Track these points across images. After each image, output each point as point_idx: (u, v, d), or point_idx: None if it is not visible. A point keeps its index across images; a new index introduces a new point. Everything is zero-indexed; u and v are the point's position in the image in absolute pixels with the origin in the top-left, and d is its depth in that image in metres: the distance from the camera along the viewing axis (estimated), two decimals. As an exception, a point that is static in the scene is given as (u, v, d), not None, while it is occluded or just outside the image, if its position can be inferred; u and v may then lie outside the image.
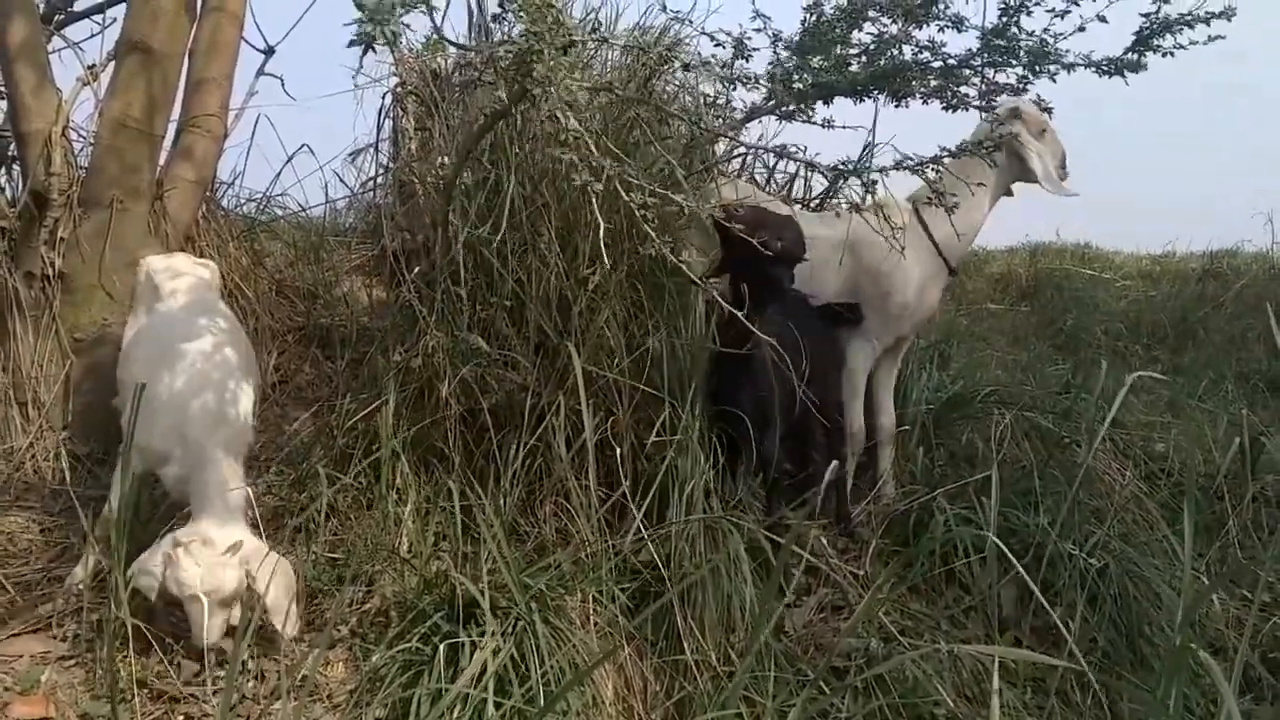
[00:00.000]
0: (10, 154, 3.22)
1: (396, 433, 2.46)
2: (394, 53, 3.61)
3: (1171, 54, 3.00)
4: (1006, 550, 1.86)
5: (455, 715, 1.78)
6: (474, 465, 2.47)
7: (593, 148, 1.89)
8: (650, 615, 2.16)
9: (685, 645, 2.14)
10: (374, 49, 1.85)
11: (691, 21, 3.21)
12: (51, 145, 2.91)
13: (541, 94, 1.89)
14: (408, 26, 1.84)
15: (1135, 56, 3.02)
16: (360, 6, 1.75)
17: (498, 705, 1.80)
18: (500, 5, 2.04)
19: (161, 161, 3.10)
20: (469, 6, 3.59)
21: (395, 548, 2.31)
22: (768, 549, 2.36)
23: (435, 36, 3.41)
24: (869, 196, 2.40)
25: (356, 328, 3.36)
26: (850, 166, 2.36)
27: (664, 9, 3.23)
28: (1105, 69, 3.03)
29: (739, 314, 2.14)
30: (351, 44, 1.82)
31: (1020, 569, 1.74)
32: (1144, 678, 2.22)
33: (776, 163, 3.65)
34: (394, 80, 3.57)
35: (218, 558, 1.95)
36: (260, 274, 3.47)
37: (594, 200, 1.93)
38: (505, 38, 2.01)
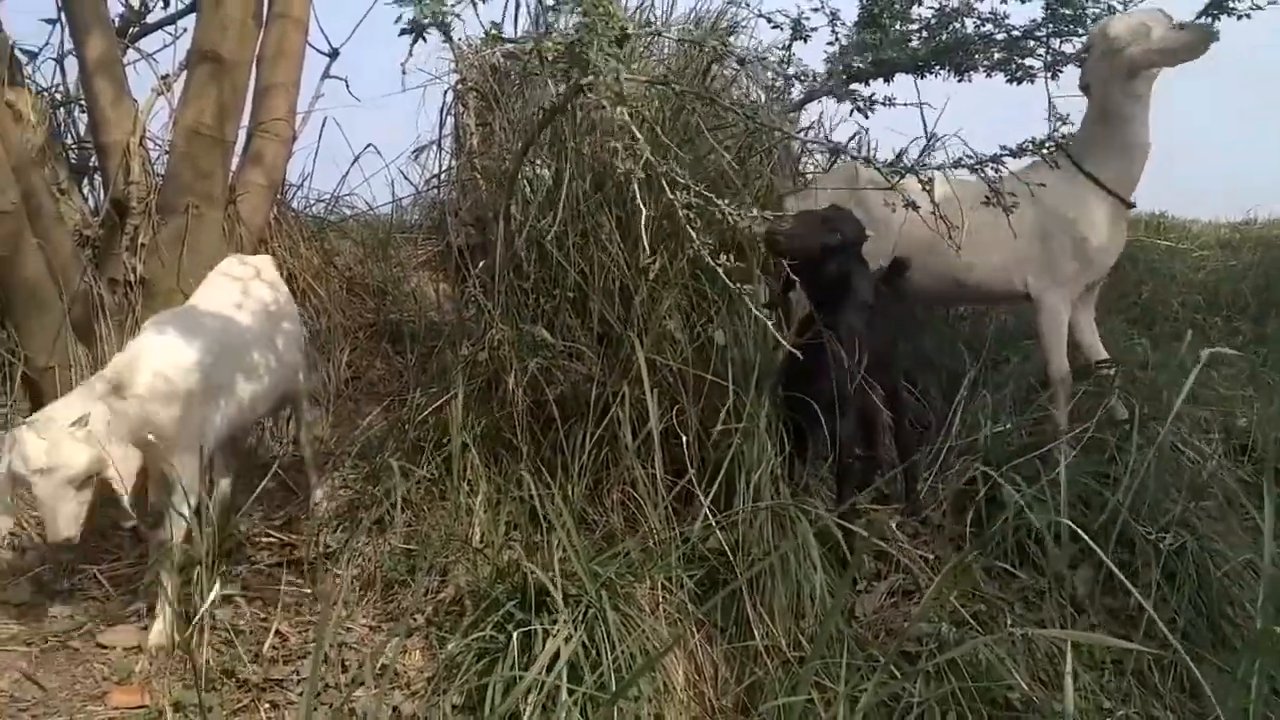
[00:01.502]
0: (91, 164, 3.35)
1: (466, 425, 2.51)
2: (453, 49, 3.65)
3: (1248, 16, 2.90)
4: (1080, 531, 1.83)
5: (529, 702, 1.82)
6: (542, 456, 2.50)
7: (638, 135, 1.88)
8: (719, 602, 2.18)
9: (755, 631, 2.15)
10: (424, 38, 1.86)
11: (748, 4, 3.20)
12: (130, 155, 3.02)
13: (591, 85, 1.90)
14: (458, 16, 1.84)
15: (1209, 20, 2.93)
16: None
17: (570, 692, 1.84)
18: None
19: (233, 167, 3.19)
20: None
21: (468, 538, 2.36)
22: (837, 534, 2.36)
23: (494, 31, 3.46)
24: (928, 191, 2.39)
25: (425, 322, 3.43)
26: (906, 165, 2.34)
27: (730, 1, 3.21)
28: (1205, 13, 2.95)
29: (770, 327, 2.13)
30: (403, 32, 1.83)
31: (1096, 549, 1.70)
32: (1226, 659, 2.17)
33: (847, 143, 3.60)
34: (454, 77, 3.61)
35: (64, 431, 1.87)
36: (331, 273, 3.56)
37: (636, 187, 1.93)
38: (557, 30, 2.03)
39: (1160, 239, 5.42)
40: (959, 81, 3.14)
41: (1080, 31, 3.11)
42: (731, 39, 3.74)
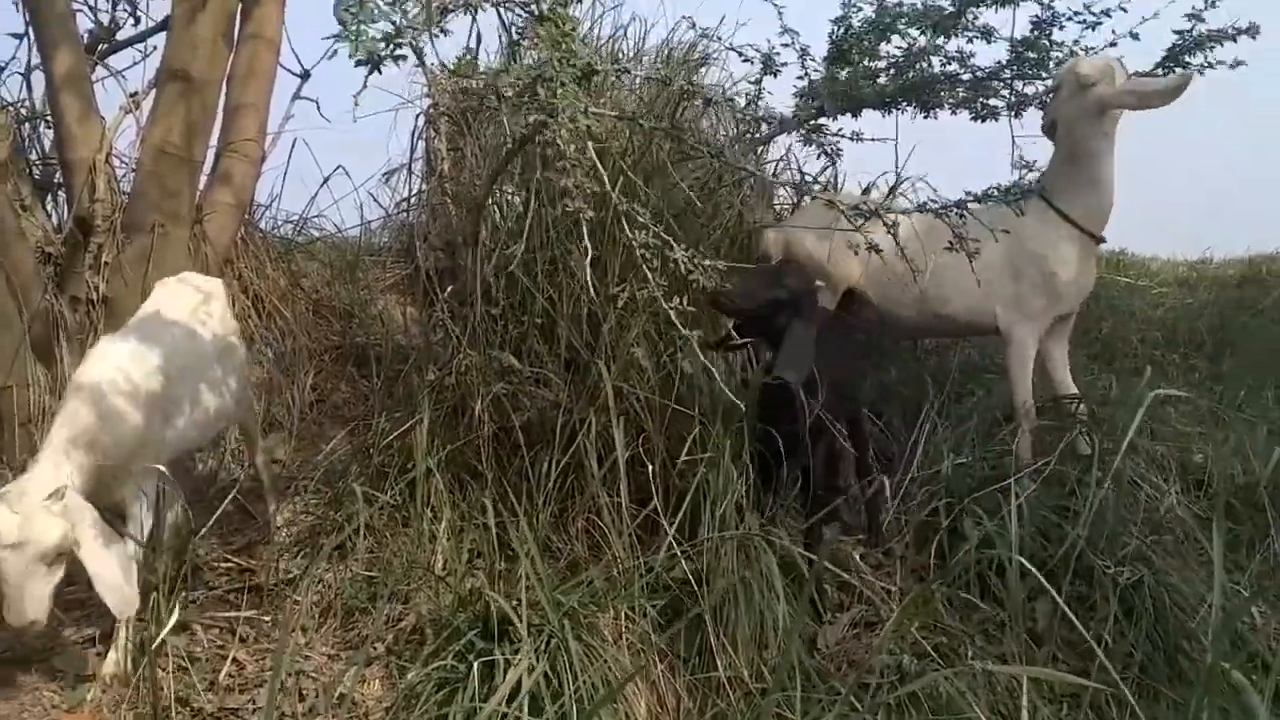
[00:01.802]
0: (56, 181, 3.31)
1: (431, 451, 2.50)
2: (425, 73, 3.67)
3: (1201, 72, 2.99)
4: (1035, 569, 1.85)
5: (490, 733, 1.80)
6: (507, 482, 2.49)
7: (600, 168, 1.89)
8: (682, 632, 2.18)
9: (718, 662, 2.15)
10: (380, 70, 1.85)
11: (719, 38, 3.24)
12: (95, 172, 2.99)
13: (554, 122, 1.91)
14: (393, 58, 1.80)
15: (1164, 73, 3.02)
16: (342, 22, 1.68)
17: (530, 722, 1.82)
18: (519, 34, 2.06)
19: (201, 186, 3.17)
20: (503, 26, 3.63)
21: (430, 565, 2.34)
22: (801, 565, 2.37)
23: (467, 57, 3.47)
24: (892, 232, 2.44)
25: (391, 346, 3.41)
26: (872, 208, 2.38)
27: (693, 26, 3.26)
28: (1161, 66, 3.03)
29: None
30: (358, 64, 1.82)
31: (1048, 586, 1.72)
32: (1183, 693, 2.19)
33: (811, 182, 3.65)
34: (426, 101, 3.62)
35: (37, 505, 1.80)
36: (298, 294, 3.53)
37: (584, 228, 1.94)
38: (517, 66, 2.03)
39: (1120, 275, 5.52)
40: (925, 118, 3.20)
41: (1043, 74, 3.18)
42: (703, 71, 3.80)
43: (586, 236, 1.91)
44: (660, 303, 1.90)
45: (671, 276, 2.01)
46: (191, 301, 2.45)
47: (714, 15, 4.17)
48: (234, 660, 2.12)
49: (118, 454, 2.00)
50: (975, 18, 3.09)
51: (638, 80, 3.06)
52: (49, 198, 3.35)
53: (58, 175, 3.28)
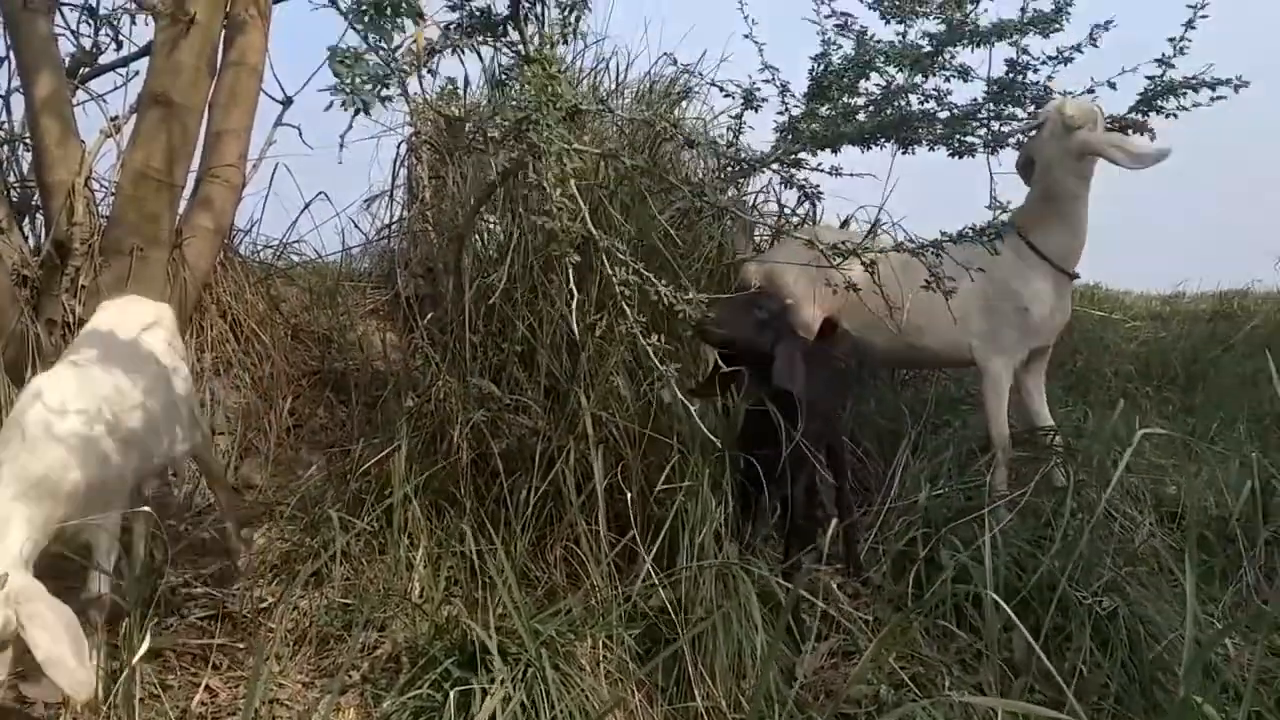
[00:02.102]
0: (34, 203, 3.30)
1: (409, 477, 2.49)
2: (408, 101, 3.68)
3: (1175, 115, 3.06)
4: (1011, 600, 1.86)
5: (466, 763, 1.79)
6: (485, 510, 2.49)
7: (582, 208, 1.91)
8: (660, 661, 2.17)
9: (696, 691, 2.14)
10: (368, 112, 1.87)
11: (700, 74, 3.28)
12: (74, 195, 2.97)
13: (539, 162, 1.94)
14: (382, 101, 1.82)
15: (1139, 116, 3.09)
16: (338, 75, 1.72)
17: (508, 752, 1.81)
18: (505, 73, 2.08)
19: (181, 210, 3.16)
20: (480, 61, 3.67)
21: (407, 593, 2.33)
22: (780, 595, 2.37)
23: (449, 87, 3.49)
24: (874, 272, 2.47)
25: (370, 372, 3.40)
26: (849, 246, 2.42)
27: (674, 63, 3.29)
28: (1109, 127, 3.10)
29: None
30: (345, 106, 1.83)
31: (1018, 623, 1.73)
32: (1158, 723, 2.20)
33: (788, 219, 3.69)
34: (409, 129, 3.64)
35: None
36: (276, 319, 3.52)
37: (570, 269, 1.95)
38: (498, 103, 2.06)
39: (1095, 309, 5.59)
40: (904, 154, 3.24)
41: (1018, 114, 3.24)
42: (684, 105, 3.84)
43: (571, 281, 1.92)
44: (639, 340, 1.91)
45: (653, 310, 2.02)
46: (135, 327, 2.37)
47: (696, 49, 4.23)
48: (207, 688, 2.09)
49: (72, 504, 1.90)
50: (952, 57, 3.15)
51: (613, 119, 3.09)
52: (27, 220, 3.33)
53: (36, 198, 3.26)
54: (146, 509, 2.08)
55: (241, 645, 2.26)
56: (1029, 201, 3.13)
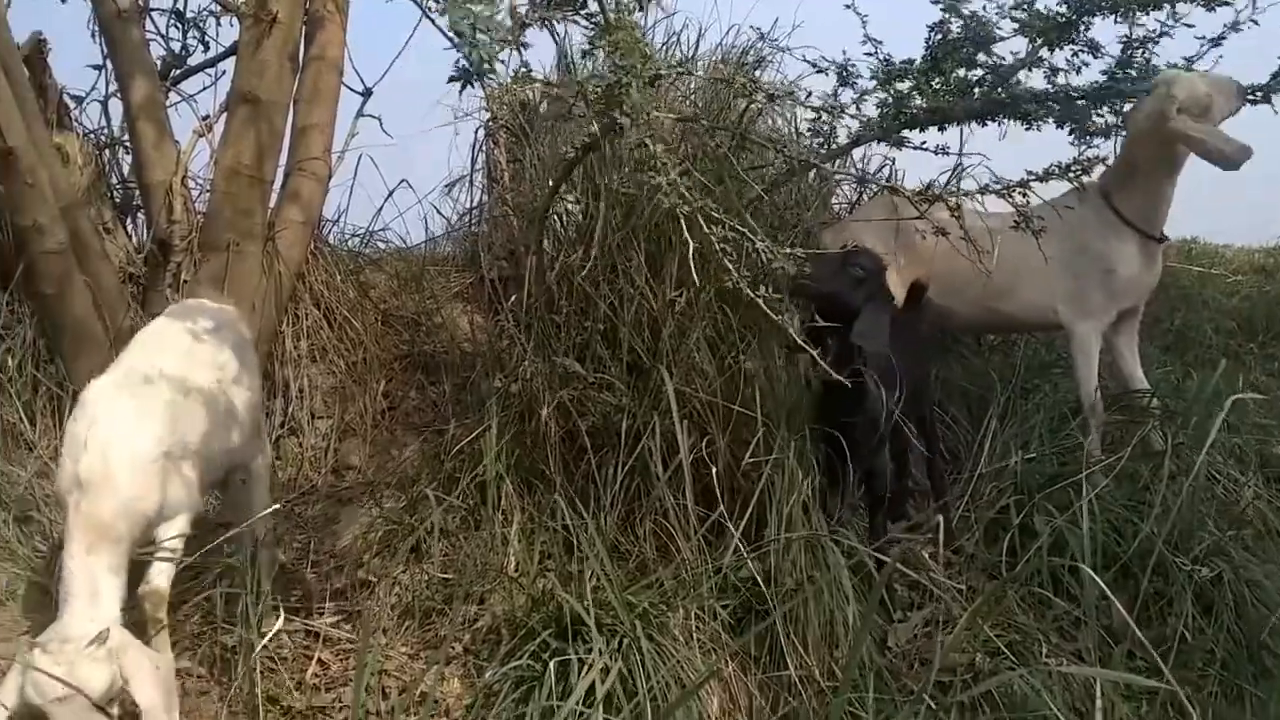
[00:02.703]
0: (136, 204, 3.45)
1: (500, 456, 2.55)
2: (483, 86, 3.72)
3: None
4: (1109, 566, 1.83)
5: (567, 731, 1.84)
6: (575, 485, 2.54)
7: (675, 174, 1.92)
8: (753, 632, 2.19)
9: (789, 661, 2.16)
10: (472, 84, 1.92)
11: (789, 49, 3.21)
12: (172, 194, 3.11)
13: (630, 125, 1.95)
14: (502, 61, 1.88)
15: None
16: (458, 34, 1.73)
17: (606, 720, 1.86)
18: (590, 42, 2.10)
19: (271, 204, 3.27)
20: (554, 41, 3.69)
21: (503, 567, 2.39)
22: (870, 565, 2.37)
23: (524, 70, 3.53)
24: (957, 216, 2.42)
25: (459, 353, 3.48)
26: (934, 192, 2.37)
27: (759, 34, 3.23)
28: (1251, 98, 2.95)
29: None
30: (451, 80, 1.88)
31: (1106, 590, 1.70)
32: (1267, 689, 2.15)
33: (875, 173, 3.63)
34: (485, 114, 3.69)
35: (81, 653, 1.73)
36: (366, 305, 3.62)
37: (682, 221, 1.97)
38: (592, 72, 2.08)
39: (1192, 265, 5.38)
40: (1026, 130, 3.13)
41: (1142, 92, 3.12)
42: (758, 73, 3.81)
43: (686, 230, 1.92)
44: (747, 291, 1.90)
45: (753, 267, 2.02)
46: (195, 333, 2.31)
47: (766, 19, 4.17)
48: (319, 661, 2.19)
49: (144, 528, 1.94)
50: (1087, 27, 3.01)
51: (693, 86, 3.08)
52: (129, 220, 3.49)
53: (137, 198, 3.42)
54: (275, 506, 2.13)
55: (349, 620, 2.35)
56: (1115, 164, 3.04)
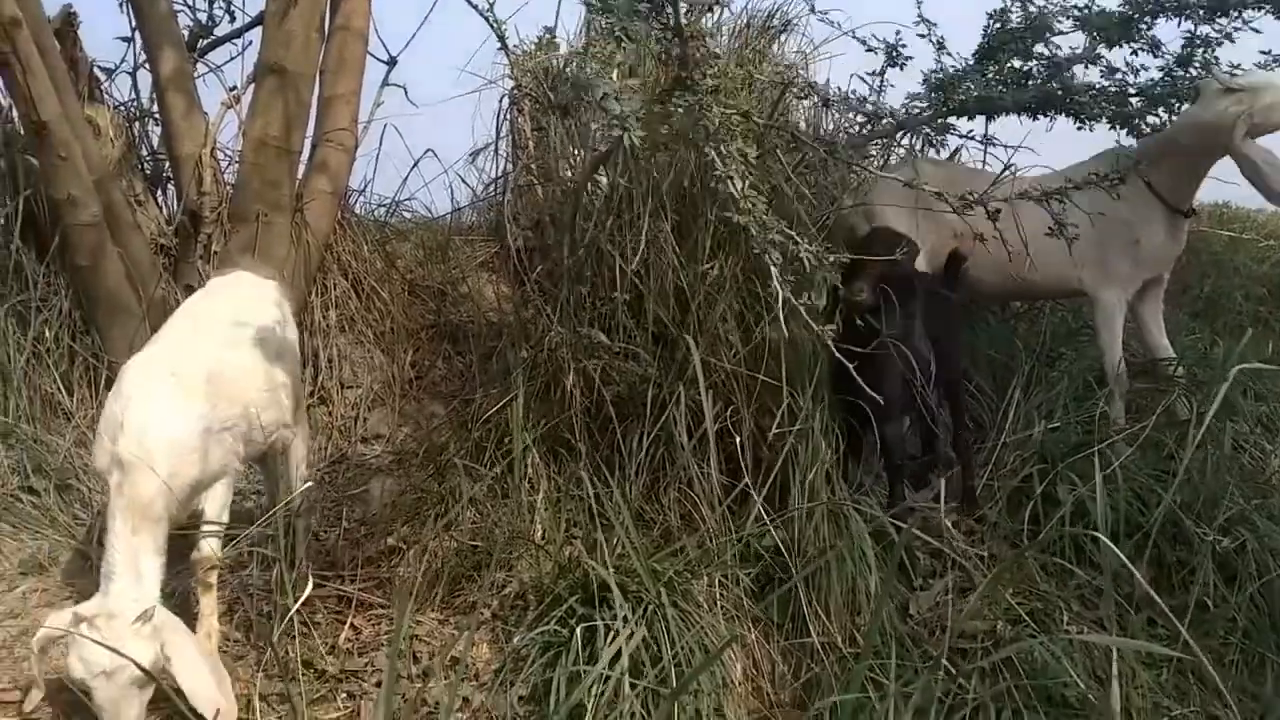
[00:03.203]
0: (166, 175, 3.49)
1: (527, 425, 2.58)
2: (507, 54, 3.73)
3: None
4: (1127, 538, 1.84)
5: (593, 695, 1.89)
6: (600, 455, 2.57)
7: (762, 210, 1.91)
8: (776, 598, 2.23)
9: (811, 628, 2.20)
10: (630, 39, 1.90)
11: (840, 26, 3.18)
12: (202, 166, 3.16)
13: (714, 153, 1.92)
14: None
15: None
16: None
17: (632, 685, 1.90)
18: (662, 44, 2.02)
19: (299, 175, 3.30)
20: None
21: (530, 535, 2.44)
22: (892, 532, 2.39)
23: (548, 36, 3.52)
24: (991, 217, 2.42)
25: (485, 323, 3.51)
26: (974, 196, 2.36)
27: (813, 10, 3.20)
28: None
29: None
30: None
31: (1126, 561, 1.71)
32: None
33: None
34: (509, 83, 3.69)
35: (125, 629, 1.76)
36: (393, 275, 3.66)
37: (768, 256, 1.95)
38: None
39: (1223, 230, 5.31)
40: (1079, 128, 3.09)
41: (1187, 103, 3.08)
42: (784, 38, 3.78)
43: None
44: (790, 299, 1.91)
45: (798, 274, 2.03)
46: (237, 306, 2.34)
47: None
48: (351, 625, 2.25)
49: (184, 505, 1.98)
50: (1149, 27, 2.97)
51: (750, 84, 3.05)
52: (159, 191, 3.53)
53: (167, 170, 3.46)
54: (309, 484, 2.17)
55: (379, 586, 2.41)
56: (1156, 139, 3.00)
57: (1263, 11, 2.87)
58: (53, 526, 2.53)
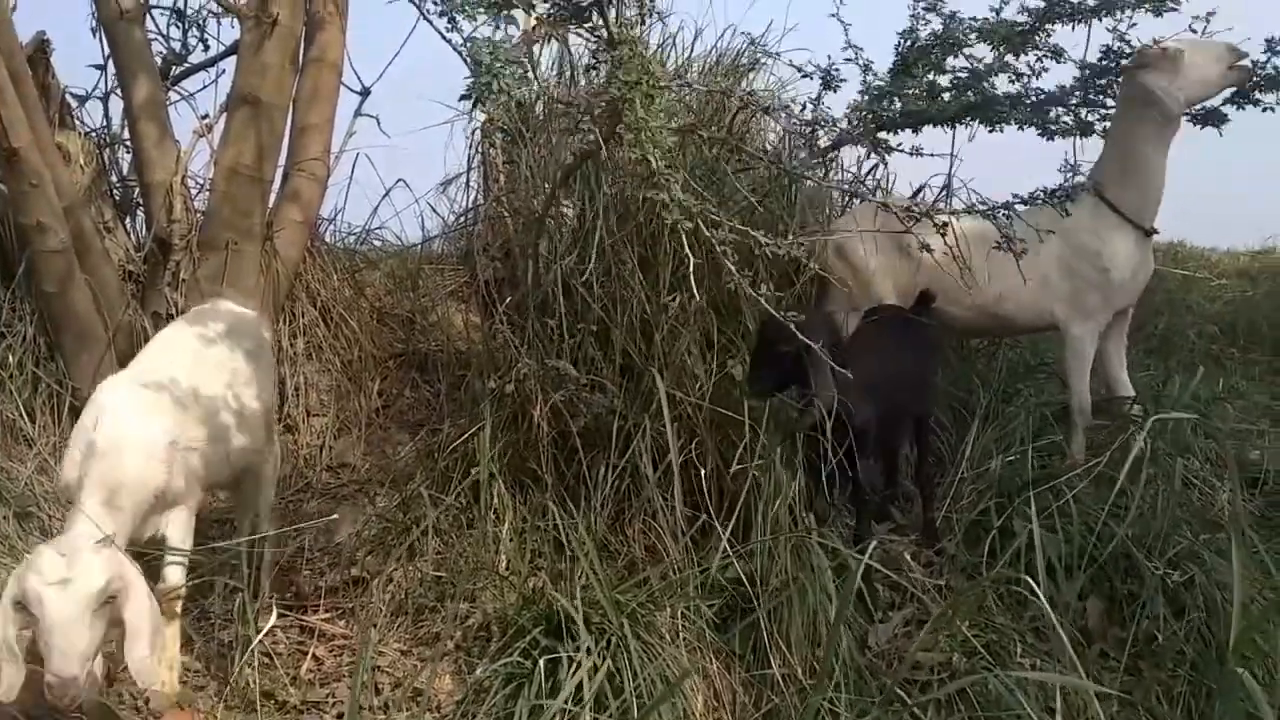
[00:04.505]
0: (136, 202, 3.49)
1: (493, 455, 2.60)
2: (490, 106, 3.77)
3: (1272, 109, 2.97)
4: (1081, 571, 1.89)
5: (555, 727, 1.90)
6: (566, 486, 2.59)
7: (678, 190, 1.98)
8: (738, 631, 2.26)
9: (772, 659, 2.22)
10: (483, 104, 1.99)
11: (768, 50, 3.28)
12: (173, 193, 3.16)
13: (632, 138, 2.00)
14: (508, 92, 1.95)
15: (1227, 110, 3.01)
16: (477, 63, 1.90)
17: (594, 718, 1.92)
18: (594, 56, 2.15)
19: (270, 204, 3.31)
20: (567, 50, 3.73)
21: (495, 566, 2.45)
22: (853, 565, 2.43)
23: (520, 73, 3.56)
24: (945, 236, 2.48)
25: (453, 352, 3.53)
26: (922, 209, 2.43)
27: (749, 40, 3.29)
28: (1196, 120, 3.02)
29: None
30: (463, 98, 1.96)
31: (1065, 594, 1.76)
32: (1227, 689, 2.21)
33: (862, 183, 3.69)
34: (481, 116, 3.72)
35: (84, 546, 1.79)
36: (362, 303, 3.67)
37: (683, 236, 2.02)
38: (595, 87, 2.13)
39: (1178, 268, 5.45)
40: (990, 133, 3.19)
41: (1108, 104, 3.18)
42: (752, 76, 3.86)
43: (687, 247, 1.98)
44: (747, 289, 1.97)
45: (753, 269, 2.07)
46: (213, 335, 2.38)
47: (760, 20, 4.20)
48: (313, 656, 2.25)
49: (144, 517, 2.00)
50: (1048, 35, 3.07)
51: (691, 93, 3.12)
52: (129, 219, 3.53)
53: (137, 197, 3.46)
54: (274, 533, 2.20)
55: (342, 617, 2.41)
56: (1104, 156, 3.08)
57: (1155, 14, 2.99)
58: (11, 555, 2.50)
